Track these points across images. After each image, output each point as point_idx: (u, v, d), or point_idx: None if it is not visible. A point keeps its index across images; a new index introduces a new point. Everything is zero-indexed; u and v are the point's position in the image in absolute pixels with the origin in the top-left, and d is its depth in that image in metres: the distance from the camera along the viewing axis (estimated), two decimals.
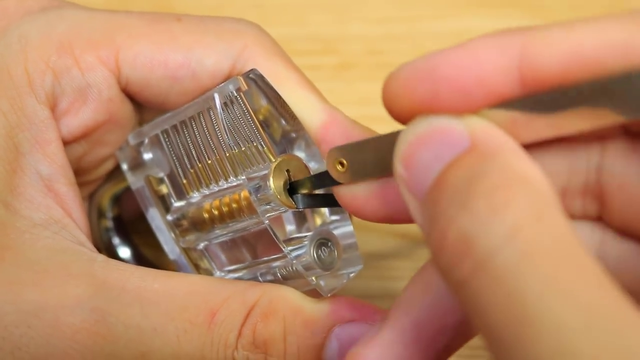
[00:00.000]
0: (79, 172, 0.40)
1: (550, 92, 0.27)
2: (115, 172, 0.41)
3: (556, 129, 0.28)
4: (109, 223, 0.43)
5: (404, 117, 0.29)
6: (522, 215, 0.25)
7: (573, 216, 0.31)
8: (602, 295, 0.24)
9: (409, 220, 0.30)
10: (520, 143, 0.27)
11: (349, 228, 0.38)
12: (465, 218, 0.25)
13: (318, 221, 0.38)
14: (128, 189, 0.41)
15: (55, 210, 0.37)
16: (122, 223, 0.43)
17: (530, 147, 0.28)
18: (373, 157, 0.31)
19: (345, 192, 0.33)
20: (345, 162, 0.32)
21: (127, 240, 0.43)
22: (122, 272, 0.35)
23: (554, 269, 0.24)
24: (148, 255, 0.44)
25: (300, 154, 0.38)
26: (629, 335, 0.23)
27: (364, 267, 0.38)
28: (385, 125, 0.38)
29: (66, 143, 0.38)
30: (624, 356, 0.23)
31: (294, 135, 0.38)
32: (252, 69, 0.37)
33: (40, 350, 0.34)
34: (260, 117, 0.37)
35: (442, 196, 0.26)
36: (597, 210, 0.31)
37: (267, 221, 0.36)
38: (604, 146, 0.30)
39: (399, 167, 0.28)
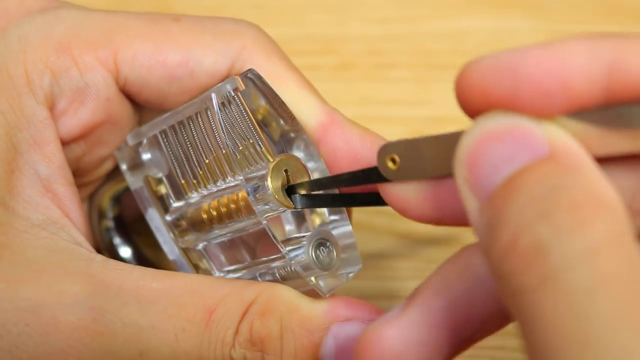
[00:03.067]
0: (78, 172, 0.40)
1: (635, 106, 0.26)
2: (116, 172, 0.41)
3: (633, 146, 0.27)
4: (110, 223, 0.43)
5: (474, 111, 0.28)
6: (602, 237, 0.24)
7: None
8: None
9: (459, 223, 0.30)
10: (593, 155, 0.27)
11: (348, 228, 0.38)
12: (544, 227, 0.25)
13: (317, 221, 0.38)
14: (128, 189, 0.41)
15: (53, 211, 0.37)
16: (122, 223, 0.43)
17: (601, 160, 0.28)
18: (429, 156, 0.30)
19: (394, 191, 0.32)
20: (397, 159, 0.31)
21: (128, 240, 0.43)
22: (120, 271, 0.35)
23: (629, 299, 0.23)
24: (149, 255, 0.44)
25: (298, 154, 0.37)
26: None
27: (363, 267, 0.38)
28: (385, 125, 0.38)
29: (65, 143, 0.38)
30: None
31: (292, 135, 0.38)
32: (249, 69, 0.37)
33: (38, 348, 0.34)
34: (259, 117, 0.37)
35: (514, 200, 0.25)
36: None
37: (265, 222, 0.36)
38: None
39: (462, 162, 0.27)
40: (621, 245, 0.24)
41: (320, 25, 0.56)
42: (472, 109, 0.28)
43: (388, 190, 0.32)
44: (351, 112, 0.39)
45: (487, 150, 0.26)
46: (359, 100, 0.52)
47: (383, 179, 0.32)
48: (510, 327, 0.44)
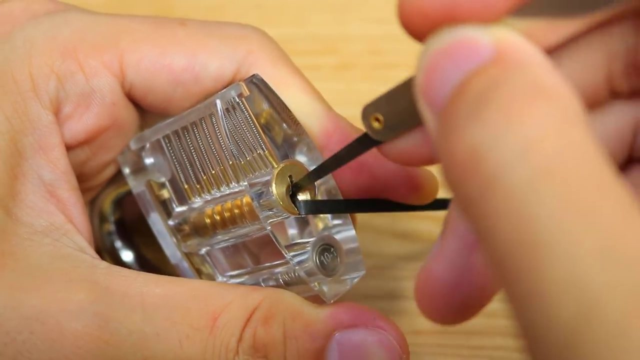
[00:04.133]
0: (82, 177, 0.40)
1: None
2: (117, 176, 0.41)
3: (586, 23, 0.26)
4: (111, 227, 0.43)
5: (422, 35, 0.27)
6: (541, 128, 0.23)
7: (619, 95, 0.29)
8: (625, 222, 0.22)
9: None
10: (548, 46, 0.26)
11: (352, 232, 0.37)
12: (477, 130, 0.23)
13: (320, 225, 0.38)
14: (130, 193, 0.41)
15: (57, 217, 0.37)
16: (124, 226, 0.43)
17: (560, 47, 0.27)
18: (407, 104, 0.29)
19: (391, 149, 0.31)
20: (381, 117, 0.30)
21: (130, 244, 0.43)
22: (124, 278, 0.35)
23: (573, 189, 0.22)
24: (151, 258, 0.44)
25: (302, 158, 0.37)
26: None
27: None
28: None
29: (69, 148, 0.38)
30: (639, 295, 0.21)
31: (295, 139, 0.38)
32: (253, 75, 0.37)
33: (43, 355, 0.34)
34: (262, 121, 0.37)
35: (458, 107, 0.25)
36: None
37: (269, 227, 0.36)
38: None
39: (419, 83, 0.26)
40: (564, 133, 0.23)
41: (321, 25, 0.55)
42: (421, 33, 0.27)
43: (386, 150, 0.31)
44: (351, 112, 0.39)
45: (438, 66, 0.26)
46: (359, 100, 0.52)
47: (377, 143, 0.31)
48: (510, 327, 0.44)
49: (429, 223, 0.48)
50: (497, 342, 0.44)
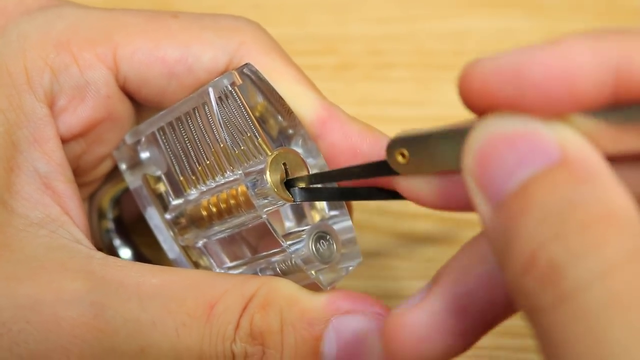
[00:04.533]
0: (78, 172, 0.40)
1: None
2: (115, 173, 0.41)
3: None
4: (110, 224, 0.43)
5: (479, 110, 0.27)
6: (617, 256, 0.24)
7: None
8: None
9: (470, 210, 0.29)
10: (605, 155, 0.26)
11: (348, 223, 0.38)
12: (559, 248, 0.24)
13: (317, 217, 0.38)
14: (128, 190, 0.41)
15: (53, 208, 0.37)
16: (122, 224, 0.43)
17: (614, 158, 0.27)
18: (438, 151, 0.29)
19: (406, 185, 0.32)
20: (407, 153, 0.30)
21: (128, 241, 0.43)
22: (120, 267, 0.35)
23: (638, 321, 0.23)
24: (149, 256, 0.44)
25: (297, 150, 0.37)
26: None
27: (364, 267, 0.38)
28: (385, 125, 0.38)
29: (65, 141, 0.38)
30: None
31: (290, 131, 0.38)
32: (246, 64, 0.37)
33: (39, 345, 0.34)
34: (256, 114, 0.37)
35: (527, 213, 0.25)
36: None
37: (265, 215, 0.36)
38: None
39: (471, 162, 0.26)
40: (636, 262, 0.24)
41: (320, 25, 0.56)
42: (477, 108, 0.28)
43: (400, 184, 0.32)
44: (351, 112, 0.39)
45: (497, 154, 0.26)
46: (359, 100, 0.52)
47: (393, 172, 0.31)
48: (510, 327, 0.44)
49: (429, 223, 0.48)
50: (497, 342, 0.44)
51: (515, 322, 0.44)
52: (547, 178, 0.25)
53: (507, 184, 0.26)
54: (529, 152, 0.26)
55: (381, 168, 0.32)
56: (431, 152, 0.30)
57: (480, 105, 0.27)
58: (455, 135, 0.29)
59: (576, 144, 0.26)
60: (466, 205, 0.30)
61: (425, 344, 0.29)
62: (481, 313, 0.29)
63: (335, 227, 0.37)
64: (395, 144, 0.31)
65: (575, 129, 0.26)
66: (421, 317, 0.29)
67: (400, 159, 0.31)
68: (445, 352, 0.30)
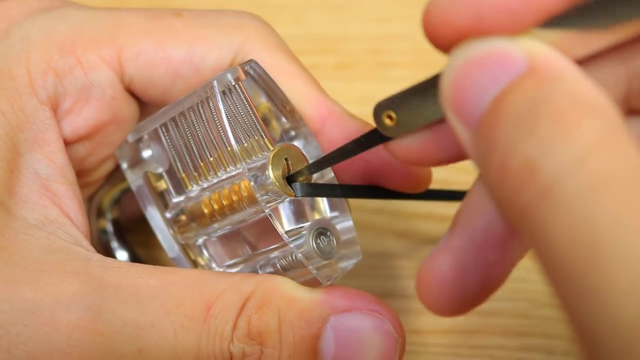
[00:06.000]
0: (82, 173, 0.40)
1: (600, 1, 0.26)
2: (115, 175, 0.41)
3: (612, 39, 0.27)
4: (108, 226, 0.43)
5: (447, 46, 0.28)
6: (591, 140, 0.24)
7: (635, 113, 0.30)
8: None
9: (466, 158, 0.29)
10: (574, 59, 0.26)
11: (349, 223, 0.38)
12: (530, 143, 0.24)
13: (317, 217, 0.38)
14: (126, 192, 0.41)
15: (52, 210, 0.37)
16: (120, 226, 0.43)
17: (585, 60, 0.27)
18: (421, 104, 0.30)
19: (399, 146, 0.32)
20: (393, 114, 0.31)
21: (125, 244, 0.43)
22: (118, 269, 0.35)
23: (624, 199, 0.23)
24: (146, 258, 0.44)
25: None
26: None
27: (363, 266, 0.38)
28: None
29: (70, 143, 0.38)
30: None
31: (293, 133, 0.38)
32: (250, 60, 0.37)
33: (37, 347, 0.34)
34: (259, 115, 0.37)
35: (501, 121, 0.25)
36: None
37: (267, 210, 0.36)
38: None
39: (447, 93, 0.27)
40: (613, 144, 0.24)
41: (320, 24, 0.56)
42: (444, 45, 0.28)
43: (394, 147, 0.32)
44: (351, 111, 0.39)
45: (469, 78, 0.26)
46: (359, 99, 0.52)
47: (385, 139, 0.32)
48: (510, 327, 0.44)
49: (429, 223, 0.48)
50: (497, 342, 0.44)
51: (516, 322, 0.44)
52: (517, 87, 0.25)
53: (480, 105, 0.26)
54: (497, 68, 0.26)
55: (372, 137, 0.32)
56: (416, 107, 0.30)
57: (447, 40, 0.27)
58: (435, 84, 0.29)
59: (541, 51, 0.26)
60: (460, 153, 0.30)
61: (460, 284, 0.29)
62: (502, 243, 0.29)
63: (336, 227, 0.37)
64: (381, 108, 0.31)
65: (538, 39, 0.26)
66: (447, 258, 0.29)
67: (387, 121, 0.31)
68: (479, 290, 0.29)
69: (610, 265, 0.22)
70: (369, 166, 0.37)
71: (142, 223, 0.41)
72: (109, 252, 0.43)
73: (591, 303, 0.23)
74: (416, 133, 0.31)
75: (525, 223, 0.25)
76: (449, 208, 0.48)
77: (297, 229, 0.37)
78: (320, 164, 0.36)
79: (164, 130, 0.38)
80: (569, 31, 0.27)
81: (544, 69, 0.26)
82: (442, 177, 0.43)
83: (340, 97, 0.40)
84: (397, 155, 0.32)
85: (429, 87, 0.29)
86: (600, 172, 0.23)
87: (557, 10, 0.27)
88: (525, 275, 0.42)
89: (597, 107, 0.25)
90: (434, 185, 0.39)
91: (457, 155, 0.31)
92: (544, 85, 0.25)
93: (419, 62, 0.54)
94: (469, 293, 0.29)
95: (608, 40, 0.27)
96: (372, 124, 0.38)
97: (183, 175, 0.38)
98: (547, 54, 0.26)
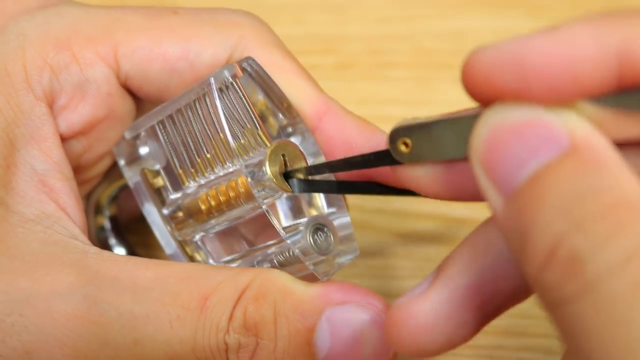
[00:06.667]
0: (79, 169, 0.40)
1: None
2: (112, 172, 0.42)
3: None
4: (106, 223, 0.43)
5: (483, 99, 0.27)
6: (637, 240, 0.24)
7: None
8: None
9: (474, 200, 0.29)
10: (617, 139, 0.26)
11: (346, 219, 0.38)
12: (579, 238, 0.24)
13: (314, 214, 0.38)
14: (124, 189, 0.41)
15: (48, 205, 0.37)
16: (118, 223, 0.43)
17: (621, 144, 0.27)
18: (442, 140, 0.29)
19: (408, 174, 0.31)
20: (409, 142, 0.30)
21: (123, 241, 0.43)
22: (115, 262, 0.35)
23: None
24: (143, 255, 0.44)
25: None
26: None
27: (363, 266, 0.38)
28: (385, 124, 0.38)
29: (66, 139, 0.39)
30: None
31: (290, 130, 0.38)
32: (247, 57, 0.37)
33: (33, 337, 0.34)
34: (257, 112, 0.37)
35: (543, 203, 0.25)
36: None
37: (265, 206, 0.36)
38: None
39: (480, 153, 0.26)
40: None
41: (320, 25, 0.56)
42: (481, 99, 0.28)
43: (403, 173, 0.32)
44: (351, 111, 0.39)
45: (506, 144, 0.26)
46: (359, 99, 0.52)
47: (395, 162, 0.31)
48: (510, 327, 0.44)
49: (429, 223, 0.48)
50: (497, 342, 0.44)
51: (516, 322, 0.44)
52: (559, 167, 0.25)
53: (519, 175, 0.26)
54: (538, 141, 0.26)
55: (383, 158, 0.32)
56: (435, 140, 0.29)
57: (485, 95, 0.27)
58: (460, 123, 0.29)
59: (584, 130, 0.26)
60: (469, 194, 0.30)
61: (429, 335, 0.29)
62: (485, 304, 0.29)
63: (334, 223, 0.37)
64: (398, 133, 0.30)
65: (581, 116, 0.26)
66: (426, 308, 0.29)
67: (403, 148, 0.30)
68: (448, 342, 0.30)
69: None
70: None
71: (140, 223, 0.41)
72: (106, 249, 0.42)
73: None
74: (429, 165, 0.30)
75: (561, 313, 0.25)
76: (449, 208, 0.48)
77: (294, 225, 0.37)
78: (320, 168, 0.36)
79: (161, 127, 0.39)
80: (610, 111, 0.26)
81: (586, 151, 0.25)
82: None
83: (340, 97, 0.40)
84: (405, 182, 0.32)
85: (453, 125, 0.29)
86: None
87: (604, 92, 0.26)
88: None
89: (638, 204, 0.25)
90: None
91: (465, 196, 0.31)
92: (586, 172, 0.25)
93: (419, 62, 0.54)
94: (436, 343, 0.30)
95: None
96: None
97: (180, 171, 0.38)
98: (589, 134, 0.26)
